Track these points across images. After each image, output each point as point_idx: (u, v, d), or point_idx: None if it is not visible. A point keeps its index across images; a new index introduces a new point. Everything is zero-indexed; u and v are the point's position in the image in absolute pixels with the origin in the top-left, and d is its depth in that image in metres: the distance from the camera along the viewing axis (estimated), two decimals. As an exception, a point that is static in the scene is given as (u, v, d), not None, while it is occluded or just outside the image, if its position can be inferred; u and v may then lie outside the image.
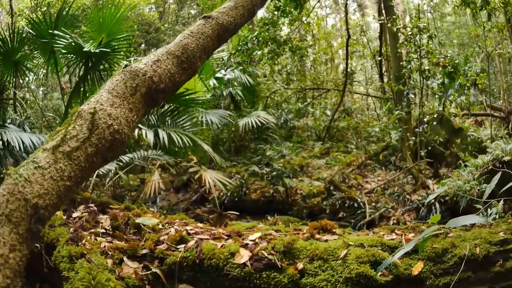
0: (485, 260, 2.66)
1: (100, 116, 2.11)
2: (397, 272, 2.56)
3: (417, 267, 2.61)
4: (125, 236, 3.01)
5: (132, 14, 15.11)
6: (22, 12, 14.65)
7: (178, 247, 2.77)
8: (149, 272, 2.60)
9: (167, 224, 3.21)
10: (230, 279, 2.60)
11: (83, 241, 2.87)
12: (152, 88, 2.48)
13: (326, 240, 2.83)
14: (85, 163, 1.99)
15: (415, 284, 2.60)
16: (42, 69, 6.73)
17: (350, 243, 2.71)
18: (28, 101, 12.29)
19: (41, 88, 16.72)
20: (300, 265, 2.57)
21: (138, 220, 3.06)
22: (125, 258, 2.67)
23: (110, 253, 2.71)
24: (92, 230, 3.13)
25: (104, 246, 2.79)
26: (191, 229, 3.05)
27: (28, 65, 6.50)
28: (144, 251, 2.76)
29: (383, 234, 3.01)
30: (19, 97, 10.84)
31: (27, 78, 7.35)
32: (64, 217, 3.57)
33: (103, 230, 3.13)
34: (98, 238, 2.99)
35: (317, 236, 2.88)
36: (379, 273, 2.48)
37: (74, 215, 3.63)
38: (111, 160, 2.22)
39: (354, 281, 2.47)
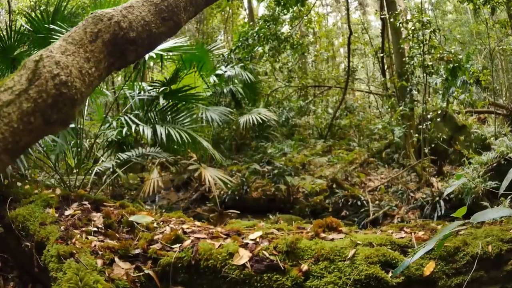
0: (498, 258, 2.52)
1: (45, 64, 1.62)
2: (408, 273, 2.39)
3: (429, 267, 2.45)
4: (117, 235, 2.84)
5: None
6: (22, 10, 14.53)
7: (173, 246, 2.58)
8: (141, 273, 2.41)
9: (162, 223, 3.03)
10: (229, 282, 2.40)
11: (73, 240, 2.71)
12: (118, 36, 1.98)
13: (332, 239, 2.63)
14: (19, 123, 1.52)
15: (427, 285, 2.44)
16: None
17: (358, 242, 2.52)
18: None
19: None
20: (304, 267, 2.37)
21: (131, 218, 2.88)
22: (116, 259, 2.49)
23: (100, 252, 2.53)
24: (84, 229, 2.97)
25: (95, 246, 2.62)
26: (187, 228, 2.87)
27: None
28: (137, 251, 2.57)
29: (392, 232, 2.84)
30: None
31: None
32: (56, 215, 3.43)
33: (95, 229, 2.96)
34: (89, 237, 2.82)
35: (322, 234, 2.68)
36: (390, 275, 2.30)
37: (67, 212, 3.49)
38: (59, 126, 1.70)
39: (363, 284, 2.27)
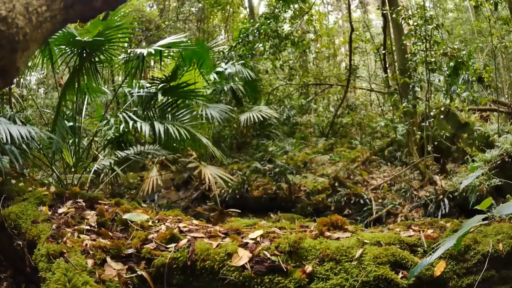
0: (508, 257, 2.42)
1: (-15, -1, 1.30)
2: (419, 273, 2.25)
3: (439, 267, 2.32)
4: (110, 234, 2.69)
5: (131, 7, 14.85)
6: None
7: (168, 246, 2.43)
8: (134, 274, 2.26)
9: (158, 221, 2.89)
10: (227, 284, 2.25)
11: (64, 239, 2.57)
12: None
13: (338, 238, 2.48)
14: None
15: (437, 285, 2.32)
16: (37, 62, 6.45)
17: (366, 241, 2.36)
18: (29, 100, 12.13)
19: (42, 89, 16.59)
20: (308, 268, 2.22)
21: (125, 216, 2.74)
22: (108, 259, 2.34)
23: (91, 252, 2.39)
24: (76, 227, 2.84)
25: (86, 245, 2.47)
26: (184, 227, 2.72)
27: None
28: (130, 251, 2.42)
29: (399, 231, 2.71)
30: (16, 94, 10.62)
31: (24, 75, 7.12)
32: (49, 213, 3.31)
33: (88, 227, 2.82)
34: (81, 236, 2.68)
35: (327, 233, 2.53)
36: (400, 276, 2.16)
37: (60, 210, 3.37)
38: None
39: (372, 286, 2.12)
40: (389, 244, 2.39)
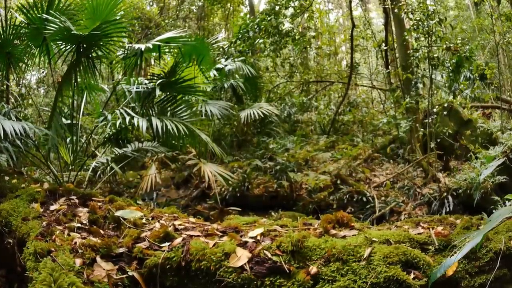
0: (519, 254, 2.26)
1: None
2: (430, 274, 2.10)
3: (452, 266, 2.18)
4: (102, 232, 2.54)
5: (130, 5, 14.75)
6: (21, 7, 14.29)
7: (161, 245, 2.27)
8: (125, 275, 2.10)
9: (152, 219, 2.73)
10: (224, 287, 2.09)
11: (53, 237, 2.43)
12: None
13: (344, 237, 2.31)
14: None
15: (450, 285, 2.16)
16: (34, 59, 6.35)
17: (374, 239, 2.19)
18: (29, 99, 12.08)
19: (42, 89, 16.53)
20: (313, 269, 2.04)
21: (117, 213, 2.59)
22: (98, 258, 2.18)
23: (80, 251, 2.24)
24: (67, 225, 2.70)
25: (75, 243, 2.33)
26: (180, 224, 2.56)
27: (22, 59, 6.16)
28: (121, 250, 2.26)
29: (408, 228, 2.56)
30: (14, 92, 10.53)
31: (22, 73, 7.04)
32: (41, 210, 3.18)
33: (79, 225, 2.68)
34: (72, 233, 2.54)
35: (332, 231, 2.36)
36: (412, 276, 2.01)
37: (52, 207, 3.24)
38: None
39: (382, 288, 1.98)
40: (398, 242, 2.23)
